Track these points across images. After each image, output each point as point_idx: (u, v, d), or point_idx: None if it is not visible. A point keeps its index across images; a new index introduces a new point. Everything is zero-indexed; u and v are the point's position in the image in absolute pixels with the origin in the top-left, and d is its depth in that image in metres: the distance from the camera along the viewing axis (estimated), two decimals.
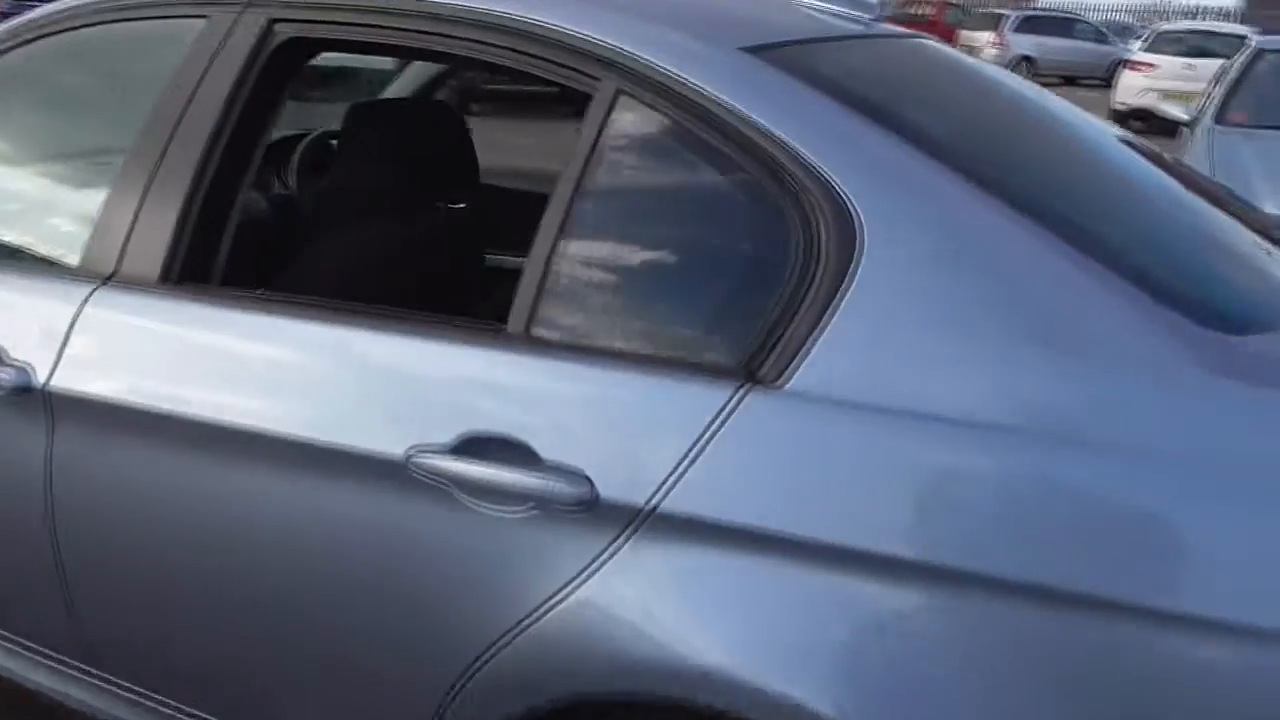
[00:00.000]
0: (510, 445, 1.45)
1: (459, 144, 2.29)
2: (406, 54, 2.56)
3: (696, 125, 1.49)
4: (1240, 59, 7.09)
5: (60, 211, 2.04)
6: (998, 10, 22.27)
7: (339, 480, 1.55)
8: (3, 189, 2.15)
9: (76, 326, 1.75)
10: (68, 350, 1.75)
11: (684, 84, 1.50)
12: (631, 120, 1.54)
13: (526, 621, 1.44)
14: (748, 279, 1.48)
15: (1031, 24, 20.47)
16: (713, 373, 1.40)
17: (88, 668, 1.89)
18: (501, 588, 1.46)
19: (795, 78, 1.54)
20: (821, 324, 1.36)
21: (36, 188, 2.12)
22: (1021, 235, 1.36)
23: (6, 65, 2.04)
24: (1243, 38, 13.82)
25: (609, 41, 1.56)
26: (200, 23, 1.83)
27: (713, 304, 1.50)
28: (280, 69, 1.81)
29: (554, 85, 1.62)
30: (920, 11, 21.19)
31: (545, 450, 1.44)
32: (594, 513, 1.41)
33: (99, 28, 1.95)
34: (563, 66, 1.59)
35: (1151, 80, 13.33)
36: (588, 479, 1.41)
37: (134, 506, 1.72)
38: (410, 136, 2.17)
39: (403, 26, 1.72)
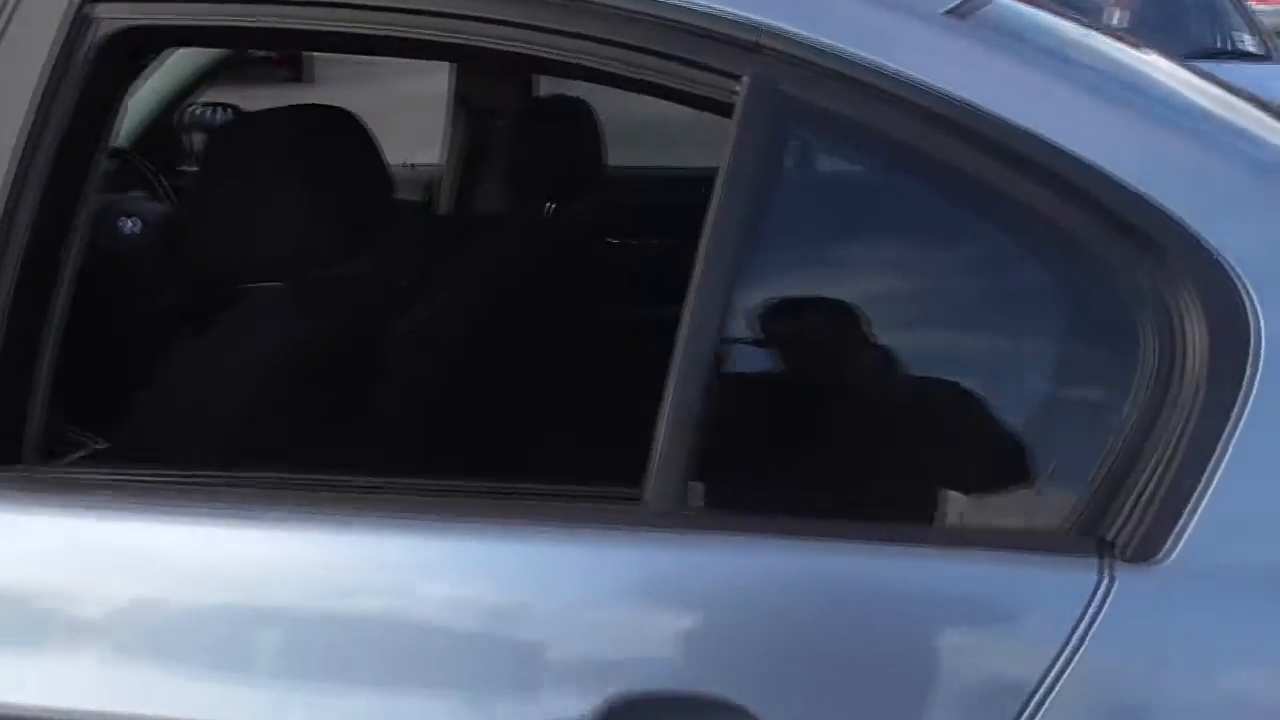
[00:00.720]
0: (700, 705, 0.87)
1: (376, 165, 1.55)
2: (353, 47, 1.65)
3: (934, 145, 0.91)
4: None
5: None
6: None
7: None
8: None
9: None
10: None
11: (881, 74, 0.91)
12: (804, 138, 0.96)
13: None
14: (1064, 394, 0.96)
15: None
16: (1046, 548, 0.87)
17: None
18: None
19: (1049, 57, 1.00)
20: (1213, 462, 0.85)
21: None
22: None
23: None
24: None
25: (749, 16, 0.95)
26: None
27: (1012, 435, 0.96)
28: (107, 79, 1.08)
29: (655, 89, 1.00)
30: None
31: (767, 710, 0.86)
32: None
33: None
34: (672, 59, 0.97)
35: None
36: None
37: None
38: (323, 162, 1.42)
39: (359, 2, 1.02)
